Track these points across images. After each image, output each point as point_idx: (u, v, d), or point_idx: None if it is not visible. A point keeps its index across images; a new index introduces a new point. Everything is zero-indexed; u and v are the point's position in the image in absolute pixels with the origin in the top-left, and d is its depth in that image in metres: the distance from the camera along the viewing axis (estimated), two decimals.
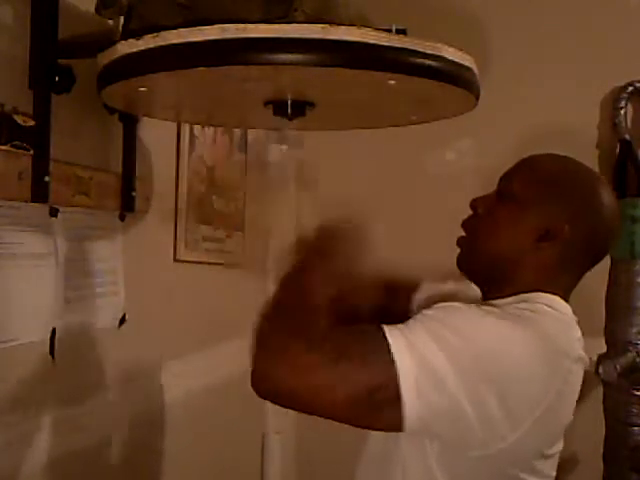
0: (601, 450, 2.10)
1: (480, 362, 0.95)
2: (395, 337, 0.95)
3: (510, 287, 1.10)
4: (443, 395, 0.93)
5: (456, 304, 1.03)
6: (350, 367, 0.94)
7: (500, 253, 1.12)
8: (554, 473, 1.10)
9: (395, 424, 0.95)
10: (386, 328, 0.96)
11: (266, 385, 0.98)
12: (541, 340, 1.00)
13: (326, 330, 0.99)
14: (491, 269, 1.13)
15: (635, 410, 2.07)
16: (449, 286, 1.31)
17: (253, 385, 0.98)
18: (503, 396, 0.95)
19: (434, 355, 0.93)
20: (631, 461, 2.06)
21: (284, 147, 1.42)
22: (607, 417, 2.10)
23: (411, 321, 0.99)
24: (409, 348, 0.94)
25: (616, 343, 2.08)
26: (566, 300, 1.11)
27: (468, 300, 1.10)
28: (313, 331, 0.98)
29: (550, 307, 1.06)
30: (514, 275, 1.11)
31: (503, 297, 1.10)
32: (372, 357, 0.95)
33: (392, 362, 0.93)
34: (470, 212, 1.18)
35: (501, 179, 1.17)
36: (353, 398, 0.94)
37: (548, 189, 1.12)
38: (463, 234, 1.17)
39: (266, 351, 0.99)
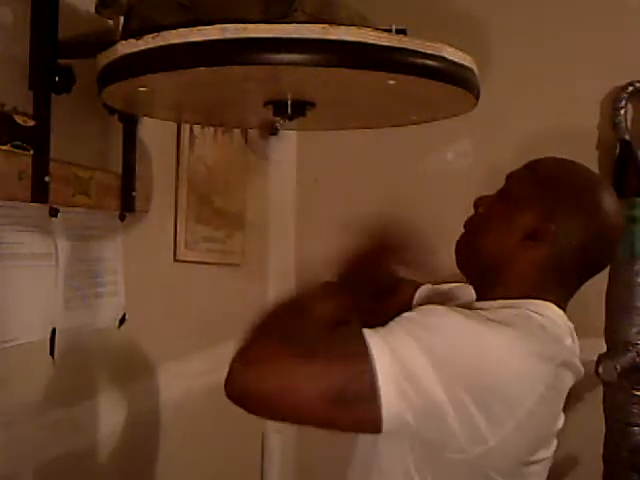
0: (601, 450, 2.10)
1: (460, 364, 0.93)
2: (374, 338, 0.93)
3: (501, 289, 1.09)
4: (423, 395, 0.91)
5: (437, 307, 1.01)
6: (326, 363, 0.92)
7: (490, 251, 1.11)
8: (539, 479, 1.08)
9: (373, 423, 0.92)
10: (365, 330, 0.95)
11: (235, 386, 0.95)
12: (522, 343, 0.98)
13: (304, 331, 0.99)
14: (483, 268, 1.13)
15: (635, 410, 2.07)
16: (447, 287, 1.31)
17: (225, 389, 0.95)
18: (483, 399, 0.93)
19: (413, 355, 0.92)
20: (631, 461, 2.06)
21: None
22: (607, 417, 2.10)
23: (392, 323, 0.97)
24: (388, 348, 0.92)
25: (616, 343, 2.07)
26: (560, 307, 1.09)
27: (463, 302, 1.10)
28: (290, 332, 0.98)
29: (536, 312, 1.04)
30: (504, 276, 1.10)
31: (494, 299, 1.08)
32: (350, 354, 0.93)
33: (370, 359, 0.91)
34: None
35: (505, 178, 1.17)
36: (328, 394, 0.91)
37: (541, 189, 1.11)
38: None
39: (243, 354, 0.97)
